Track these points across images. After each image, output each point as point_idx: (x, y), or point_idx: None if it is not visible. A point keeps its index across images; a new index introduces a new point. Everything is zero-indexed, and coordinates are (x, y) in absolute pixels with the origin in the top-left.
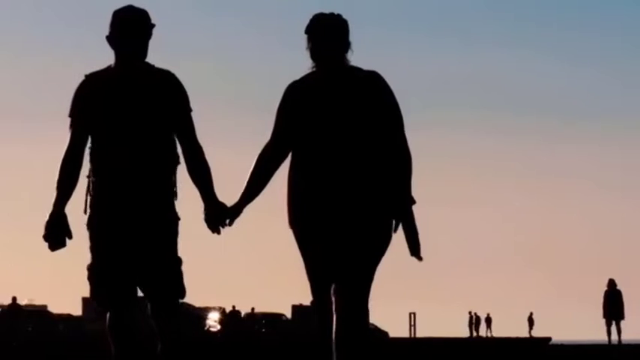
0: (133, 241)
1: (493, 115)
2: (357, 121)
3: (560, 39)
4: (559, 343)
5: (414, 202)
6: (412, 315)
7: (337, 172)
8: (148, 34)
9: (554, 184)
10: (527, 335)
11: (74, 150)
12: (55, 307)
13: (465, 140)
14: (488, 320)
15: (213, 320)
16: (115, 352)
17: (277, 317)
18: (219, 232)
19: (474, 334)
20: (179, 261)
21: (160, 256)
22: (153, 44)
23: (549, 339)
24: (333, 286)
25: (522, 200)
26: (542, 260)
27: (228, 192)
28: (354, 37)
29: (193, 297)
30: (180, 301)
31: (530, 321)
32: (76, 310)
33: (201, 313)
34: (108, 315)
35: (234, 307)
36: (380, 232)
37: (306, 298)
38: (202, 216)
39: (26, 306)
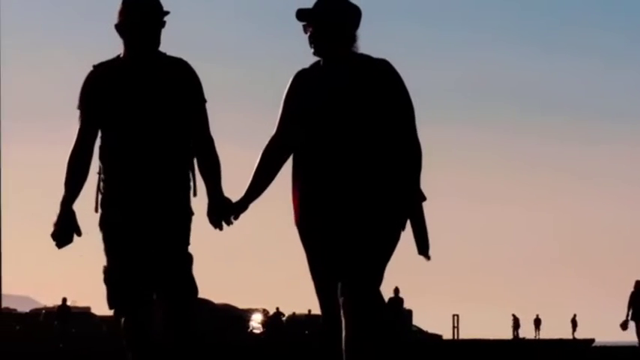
0: (145, 240)
1: (535, 116)
2: (365, 113)
3: (596, 40)
4: (602, 344)
5: (424, 198)
6: (455, 317)
7: (343, 167)
8: (160, 22)
9: (600, 186)
10: (571, 337)
11: (83, 144)
12: (99, 309)
13: (514, 142)
14: (537, 322)
15: (256, 322)
16: (131, 357)
17: (312, 318)
18: (221, 228)
19: (516, 336)
20: (189, 258)
21: (169, 253)
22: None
23: (593, 340)
24: (339, 288)
25: (567, 203)
26: (586, 262)
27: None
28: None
29: (237, 298)
30: (224, 302)
31: (574, 323)
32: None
33: (244, 315)
34: (123, 319)
35: (277, 309)
36: (387, 229)
37: None
38: (250, 217)
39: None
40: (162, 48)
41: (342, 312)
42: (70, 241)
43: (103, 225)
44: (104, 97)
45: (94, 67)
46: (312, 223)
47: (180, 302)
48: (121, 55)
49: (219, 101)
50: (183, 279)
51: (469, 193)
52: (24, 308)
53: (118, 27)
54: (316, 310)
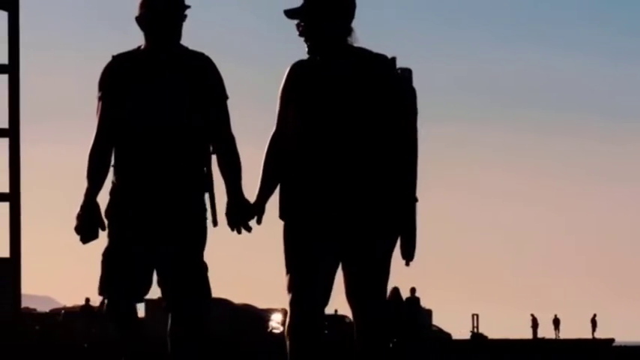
0: (152, 234)
1: (564, 117)
2: (365, 108)
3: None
4: (622, 344)
5: (416, 199)
6: (475, 316)
7: (335, 163)
8: (181, 14)
9: (621, 185)
10: (591, 337)
11: (103, 134)
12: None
13: (531, 141)
14: (557, 322)
15: (276, 322)
16: (119, 345)
17: (340, 319)
18: (239, 232)
19: (536, 336)
20: (204, 265)
21: (182, 256)
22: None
23: (612, 340)
24: (345, 293)
25: (588, 203)
26: (605, 262)
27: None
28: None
29: (257, 298)
30: (244, 302)
31: (594, 322)
32: (140, 312)
33: (264, 315)
34: (106, 302)
35: None
36: (387, 224)
37: None
38: (270, 216)
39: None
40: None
41: (355, 321)
42: (95, 236)
43: (110, 214)
44: (123, 86)
45: (113, 57)
46: (301, 220)
47: (190, 310)
48: (142, 47)
49: (238, 100)
50: (195, 285)
51: (488, 193)
52: (44, 308)
53: (139, 19)
54: (341, 310)
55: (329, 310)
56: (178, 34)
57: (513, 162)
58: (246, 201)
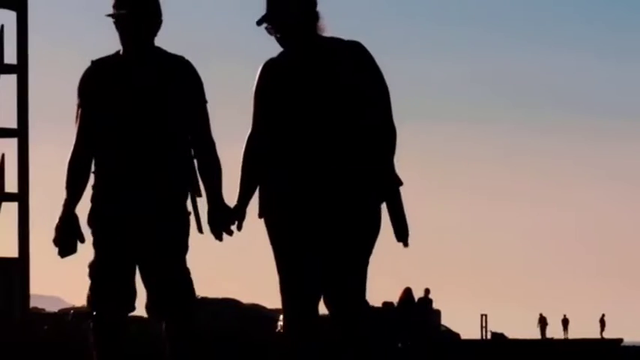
0: (137, 240)
1: (576, 118)
2: (336, 100)
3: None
4: (631, 344)
5: (400, 183)
6: (484, 316)
7: (316, 157)
8: (150, 14)
9: (630, 184)
10: (599, 337)
11: (83, 143)
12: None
13: (542, 141)
14: (565, 322)
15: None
16: (95, 356)
17: None
18: (221, 239)
19: (544, 336)
20: (186, 270)
21: (165, 262)
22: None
23: (621, 340)
24: (322, 295)
25: (596, 202)
26: (614, 262)
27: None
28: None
29: (266, 298)
30: (253, 302)
31: (602, 322)
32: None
33: (273, 315)
34: (95, 313)
35: None
36: (367, 220)
37: (377, 300)
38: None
39: None
40: (165, 46)
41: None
42: (73, 250)
43: (92, 220)
44: (101, 93)
45: (93, 62)
46: (284, 218)
47: (176, 313)
48: (121, 52)
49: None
50: (178, 287)
51: (497, 193)
52: (53, 308)
53: (115, 20)
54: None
55: None
56: (146, 35)
57: (522, 162)
58: (227, 207)
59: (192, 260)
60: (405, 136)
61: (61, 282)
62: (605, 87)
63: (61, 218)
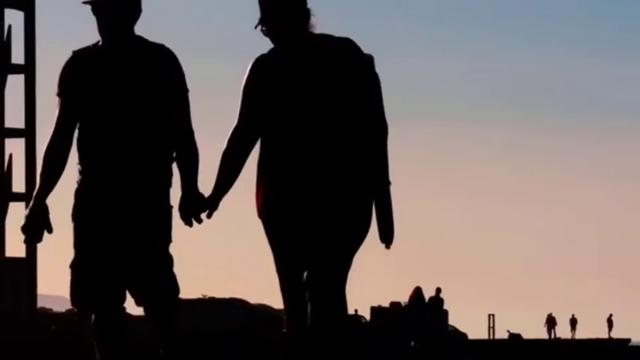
0: (120, 233)
1: (580, 118)
2: (329, 98)
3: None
4: (639, 344)
5: (389, 182)
6: (491, 316)
7: (308, 154)
8: (121, 3)
9: (637, 186)
10: (607, 337)
11: (61, 134)
12: (133, 309)
13: (549, 142)
14: (573, 322)
15: None
16: (100, 357)
17: (356, 319)
18: (191, 225)
19: (552, 336)
20: (169, 258)
21: (146, 251)
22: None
23: (629, 340)
24: (305, 275)
25: (604, 202)
26: (622, 262)
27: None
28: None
29: (273, 299)
30: (260, 302)
31: (610, 322)
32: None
33: (280, 315)
34: (93, 317)
35: None
36: (357, 215)
37: (385, 299)
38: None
39: None
40: (161, 41)
41: (309, 307)
42: (39, 239)
43: (75, 215)
44: (82, 84)
45: (74, 52)
46: (278, 214)
47: (161, 305)
48: (100, 42)
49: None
50: (163, 280)
51: (505, 193)
52: (60, 308)
53: (93, 8)
54: (361, 310)
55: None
56: (121, 25)
57: (530, 162)
58: (200, 195)
59: (200, 261)
60: (408, 134)
61: (67, 282)
62: (606, 86)
63: (31, 208)
